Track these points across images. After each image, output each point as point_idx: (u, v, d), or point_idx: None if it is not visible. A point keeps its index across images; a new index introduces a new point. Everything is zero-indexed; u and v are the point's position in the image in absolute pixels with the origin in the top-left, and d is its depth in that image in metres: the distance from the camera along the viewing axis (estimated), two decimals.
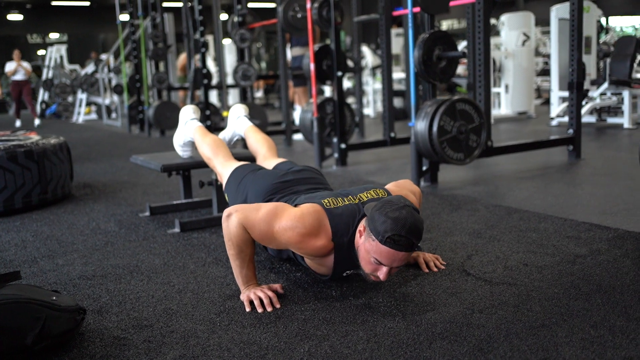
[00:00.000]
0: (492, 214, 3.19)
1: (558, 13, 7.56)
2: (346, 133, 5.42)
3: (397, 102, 9.15)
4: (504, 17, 8.67)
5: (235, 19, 7.20)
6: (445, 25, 22.79)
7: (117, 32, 10.39)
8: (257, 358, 1.70)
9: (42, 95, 14.19)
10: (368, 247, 1.92)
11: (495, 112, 8.60)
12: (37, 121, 11.54)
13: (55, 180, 3.99)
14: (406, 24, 7.00)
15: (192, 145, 3.30)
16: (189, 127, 3.15)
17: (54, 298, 1.82)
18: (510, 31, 8.47)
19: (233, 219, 2.05)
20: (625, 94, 6.85)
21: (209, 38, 12.61)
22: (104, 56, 13.38)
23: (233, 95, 12.22)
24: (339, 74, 5.02)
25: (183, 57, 10.98)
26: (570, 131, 4.82)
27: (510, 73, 8.49)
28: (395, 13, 5.92)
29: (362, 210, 2.07)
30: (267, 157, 2.86)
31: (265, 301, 2.05)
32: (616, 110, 7.53)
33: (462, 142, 3.93)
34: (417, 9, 4.13)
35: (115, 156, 6.49)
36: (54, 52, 14.08)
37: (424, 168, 4.13)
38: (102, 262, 2.68)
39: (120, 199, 4.11)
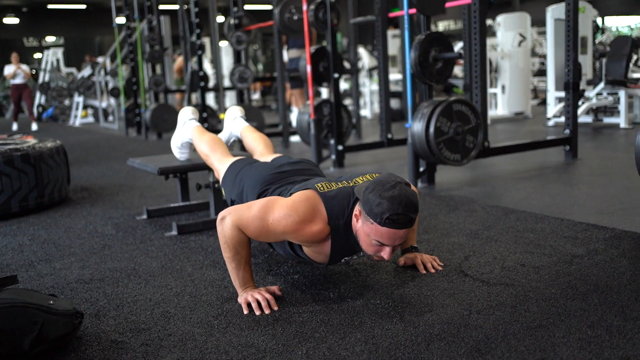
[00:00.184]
0: (489, 214, 3.20)
1: (554, 13, 7.58)
2: (343, 135, 5.42)
3: (394, 103, 9.14)
4: (500, 18, 8.69)
5: (232, 21, 7.20)
6: (441, 26, 22.83)
7: (113, 35, 10.38)
8: None
9: (39, 98, 14.17)
10: (367, 230, 1.92)
11: (491, 113, 8.62)
12: (34, 125, 11.50)
13: (52, 183, 3.98)
14: (402, 25, 7.00)
15: (190, 147, 3.30)
16: (187, 127, 3.16)
17: (51, 302, 1.82)
18: (507, 32, 8.49)
19: (227, 221, 2.05)
20: (622, 93, 6.87)
21: (206, 40, 12.62)
22: (100, 59, 13.37)
23: (230, 97, 12.22)
24: (336, 75, 5.03)
25: (180, 59, 10.98)
26: (567, 131, 4.83)
27: (506, 74, 8.51)
28: (392, 14, 5.93)
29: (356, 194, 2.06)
30: (263, 154, 2.86)
31: (263, 303, 2.04)
32: (612, 110, 7.56)
33: (459, 143, 3.94)
34: (413, 11, 4.14)
35: (112, 159, 6.48)
36: (51, 55, 14.08)
37: (421, 169, 4.14)
38: (99, 266, 2.68)
39: (117, 202, 4.10)
